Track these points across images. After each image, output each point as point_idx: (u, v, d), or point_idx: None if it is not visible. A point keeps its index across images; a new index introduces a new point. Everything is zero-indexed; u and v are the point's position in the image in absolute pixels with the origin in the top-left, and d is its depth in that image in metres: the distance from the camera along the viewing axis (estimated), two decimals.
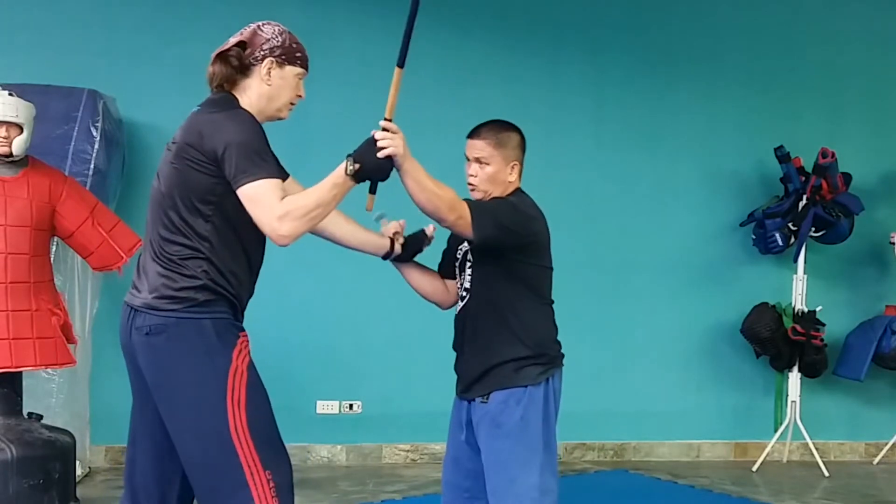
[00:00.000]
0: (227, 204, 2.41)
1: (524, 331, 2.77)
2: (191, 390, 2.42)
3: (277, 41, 2.54)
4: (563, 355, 2.88)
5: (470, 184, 2.84)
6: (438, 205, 2.57)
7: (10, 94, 3.92)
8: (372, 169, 2.48)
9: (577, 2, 5.89)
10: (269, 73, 2.52)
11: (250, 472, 2.41)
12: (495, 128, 2.85)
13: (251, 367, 2.48)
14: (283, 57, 2.54)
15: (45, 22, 5.20)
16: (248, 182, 2.33)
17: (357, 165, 2.43)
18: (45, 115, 4.29)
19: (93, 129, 4.70)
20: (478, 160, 2.81)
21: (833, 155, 5.55)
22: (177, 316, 2.41)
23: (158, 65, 5.29)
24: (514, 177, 2.84)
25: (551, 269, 2.91)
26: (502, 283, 2.75)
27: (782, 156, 5.64)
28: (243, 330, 2.52)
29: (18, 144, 3.89)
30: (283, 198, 2.34)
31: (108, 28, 5.27)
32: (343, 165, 2.42)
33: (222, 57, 2.52)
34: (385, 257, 2.87)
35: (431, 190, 2.57)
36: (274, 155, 2.46)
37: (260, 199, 2.33)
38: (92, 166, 4.64)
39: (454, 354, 2.89)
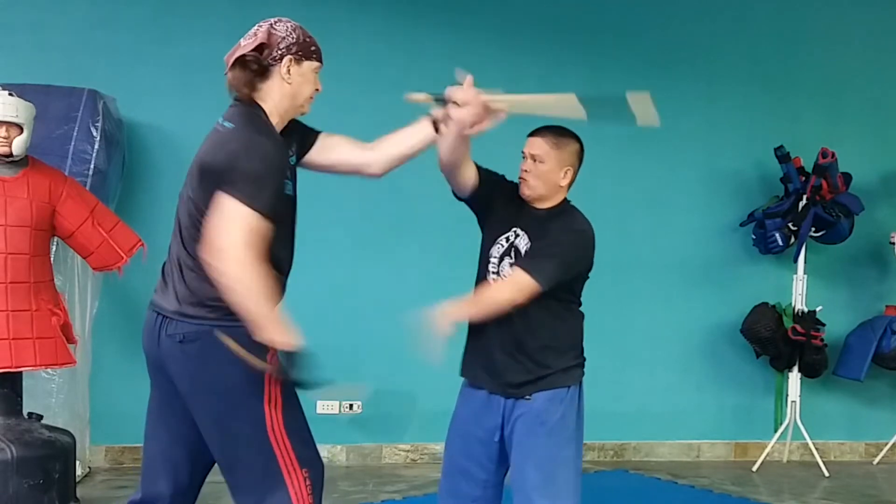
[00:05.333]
0: None
1: (571, 338, 2.90)
2: (228, 396, 2.44)
3: (293, 38, 2.53)
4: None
5: (522, 178, 2.91)
6: (503, 306, 2.75)
7: (10, 94, 3.92)
8: (286, 379, 2.41)
9: (576, 2, 5.89)
10: (289, 72, 2.52)
11: (287, 472, 2.45)
12: (557, 130, 2.92)
13: None
14: (301, 53, 2.54)
15: (45, 22, 5.20)
16: (231, 195, 2.32)
17: (283, 362, 2.37)
18: (45, 115, 4.29)
19: (93, 129, 4.70)
20: (533, 157, 2.89)
21: (833, 155, 5.55)
22: (210, 324, 2.41)
23: (158, 65, 5.29)
24: (565, 181, 2.92)
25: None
26: (552, 292, 2.80)
27: (782, 156, 5.64)
28: None
29: (18, 144, 3.89)
30: (251, 234, 2.31)
31: (108, 28, 5.27)
32: (278, 337, 2.35)
33: (241, 62, 2.50)
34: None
35: (491, 306, 2.76)
36: (278, 187, 2.43)
37: (228, 216, 2.32)
38: (92, 166, 4.64)
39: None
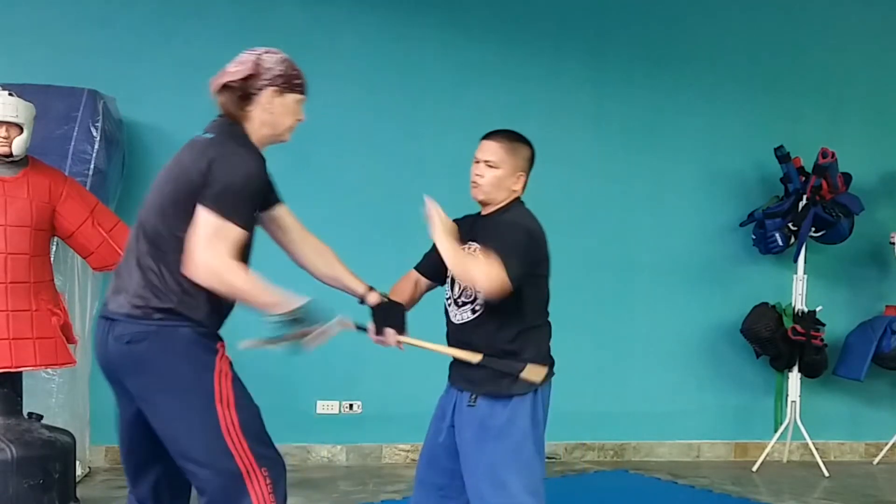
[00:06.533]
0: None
1: (524, 347, 2.80)
2: (178, 395, 2.46)
3: (278, 70, 2.59)
4: (553, 369, 2.90)
5: (474, 182, 2.88)
6: (468, 278, 2.74)
7: (10, 94, 3.91)
8: (293, 330, 2.51)
9: (577, 1, 5.89)
10: (270, 103, 2.58)
11: (246, 471, 2.46)
12: (510, 136, 2.90)
13: (233, 368, 2.54)
14: (285, 85, 2.60)
15: (45, 22, 5.20)
16: (210, 210, 2.40)
17: (292, 316, 2.48)
18: (45, 115, 4.28)
19: (93, 129, 4.70)
20: (487, 162, 2.85)
21: (833, 155, 5.55)
22: (157, 325, 2.45)
23: (158, 65, 5.28)
24: (518, 186, 2.89)
25: (548, 281, 2.93)
26: (509, 303, 2.75)
27: (782, 156, 5.64)
28: (221, 339, 2.58)
29: (18, 144, 3.88)
30: (228, 246, 2.40)
31: (108, 28, 5.27)
32: (285, 303, 2.46)
33: (227, 88, 2.57)
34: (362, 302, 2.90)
35: (462, 267, 2.73)
36: (257, 203, 2.54)
37: (206, 230, 2.39)
38: (92, 166, 4.64)
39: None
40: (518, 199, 2.91)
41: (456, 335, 2.87)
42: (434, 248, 2.90)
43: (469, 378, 2.83)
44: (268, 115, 2.58)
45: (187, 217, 2.42)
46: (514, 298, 2.72)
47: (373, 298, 2.85)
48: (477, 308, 2.82)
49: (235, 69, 2.57)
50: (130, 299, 2.48)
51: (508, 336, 2.79)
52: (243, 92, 2.56)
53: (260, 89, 2.56)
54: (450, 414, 2.88)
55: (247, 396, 2.53)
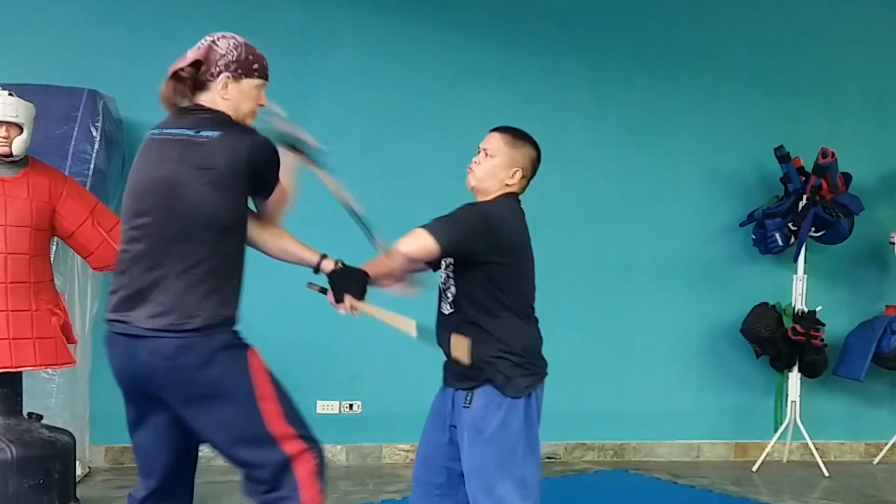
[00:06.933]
0: (243, 224, 2.54)
1: (509, 342, 2.76)
2: (224, 401, 2.47)
3: (232, 56, 2.56)
4: (546, 368, 2.87)
5: (469, 168, 2.88)
6: (400, 260, 2.73)
7: (10, 94, 3.91)
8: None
9: (577, 1, 5.89)
10: (225, 88, 2.56)
11: (294, 458, 2.50)
12: (516, 132, 2.90)
13: (262, 359, 2.56)
14: (239, 71, 2.57)
15: (45, 22, 5.20)
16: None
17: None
18: (45, 115, 4.28)
19: (93, 129, 4.70)
20: (485, 150, 2.86)
21: (833, 155, 5.55)
22: (196, 336, 2.44)
23: (158, 65, 5.23)
24: (513, 181, 2.85)
25: (532, 276, 2.87)
26: (484, 295, 2.75)
27: (782, 156, 5.64)
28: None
29: (18, 144, 3.88)
30: None
31: (108, 28, 5.27)
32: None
33: (176, 76, 2.55)
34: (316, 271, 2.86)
35: (392, 259, 2.75)
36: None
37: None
38: (92, 166, 4.64)
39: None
40: (511, 194, 2.86)
41: (444, 325, 2.86)
42: None
43: (458, 374, 2.82)
44: (223, 101, 2.56)
45: (224, 220, 2.46)
46: (477, 288, 2.72)
47: (328, 265, 2.80)
48: (451, 299, 2.82)
49: (190, 54, 2.56)
50: (163, 313, 2.44)
51: (478, 330, 2.76)
52: (194, 80, 2.54)
53: (213, 75, 2.55)
54: (448, 413, 2.88)
55: (280, 384, 2.56)
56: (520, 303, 2.82)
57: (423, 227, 2.68)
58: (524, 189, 2.91)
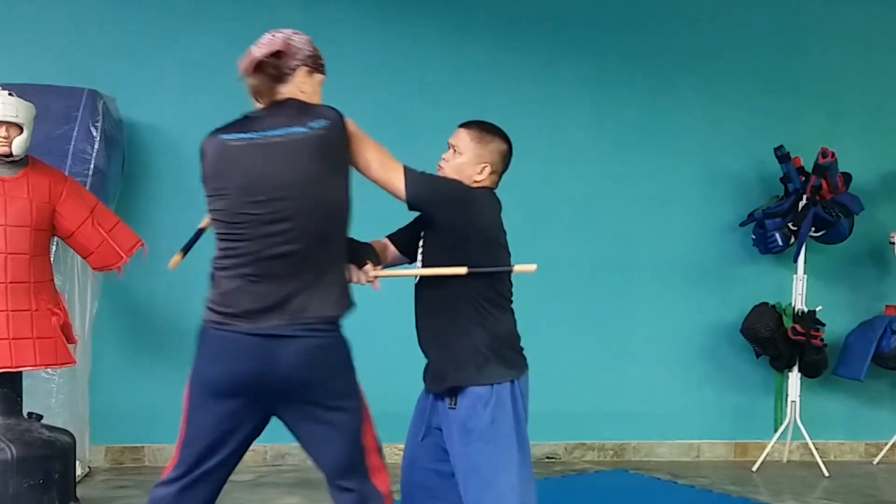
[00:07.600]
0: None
1: (483, 330, 2.75)
2: (345, 401, 2.64)
3: (308, 50, 2.63)
4: (526, 361, 2.86)
5: (439, 166, 2.89)
6: (369, 174, 2.74)
7: (10, 94, 3.92)
8: None
9: (577, 1, 5.89)
10: (304, 82, 2.61)
11: (380, 457, 2.75)
12: (483, 126, 2.89)
13: None
14: (314, 66, 2.64)
15: (45, 22, 5.20)
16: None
17: None
18: (46, 115, 4.28)
19: (93, 129, 4.70)
20: (454, 147, 2.86)
21: (833, 155, 5.55)
22: (336, 335, 2.54)
23: (158, 65, 5.29)
24: (481, 177, 2.84)
25: (508, 269, 2.84)
26: (455, 280, 2.73)
27: (782, 156, 5.64)
28: None
29: (18, 144, 3.89)
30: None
31: (108, 28, 5.27)
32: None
33: (260, 67, 2.55)
34: None
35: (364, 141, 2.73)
36: None
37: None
38: (92, 166, 4.64)
39: None
40: (484, 188, 2.84)
41: (422, 318, 2.88)
42: (413, 224, 2.92)
43: (436, 375, 2.82)
44: (301, 94, 2.59)
45: (343, 217, 2.57)
46: (450, 277, 2.71)
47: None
48: (427, 291, 2.82)
49: (263, 48, 2.56)
50: (314, 311, 2.48)
51: (456, 320, 2.76)
52: (278, 72, 2.55)
53: (293, 68, 2.58)
54: (428, 415, 2.88)
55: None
56: (492, 293, 2.79)
57: (407, 169, 2.69)
58: (496, 184, 2.90)
